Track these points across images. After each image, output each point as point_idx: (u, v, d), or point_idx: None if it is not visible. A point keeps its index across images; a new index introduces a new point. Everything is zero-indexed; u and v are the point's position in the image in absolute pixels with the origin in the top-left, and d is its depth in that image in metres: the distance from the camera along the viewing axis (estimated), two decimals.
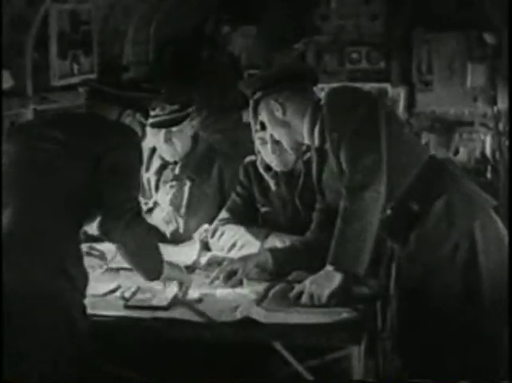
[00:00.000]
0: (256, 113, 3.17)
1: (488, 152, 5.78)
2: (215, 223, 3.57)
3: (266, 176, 3.52)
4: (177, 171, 3.76)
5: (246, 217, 3.57)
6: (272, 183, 3.51)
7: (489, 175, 5.68)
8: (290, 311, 2.77)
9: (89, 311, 2.71)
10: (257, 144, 3.42)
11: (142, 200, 3.73)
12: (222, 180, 3.77)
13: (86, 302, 2.70)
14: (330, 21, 6.31)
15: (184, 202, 3.75)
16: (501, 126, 5.64)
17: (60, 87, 4.20)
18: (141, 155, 2.84)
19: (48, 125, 2.80)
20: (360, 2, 6.27)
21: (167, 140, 3.66)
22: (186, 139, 3.72)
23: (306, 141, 3.11)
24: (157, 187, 3.81)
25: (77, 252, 2.68)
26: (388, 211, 2.95)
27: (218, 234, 3.53)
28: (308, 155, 3.31)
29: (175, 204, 3.75)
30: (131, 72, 5.08)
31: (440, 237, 2.92)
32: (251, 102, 3.15)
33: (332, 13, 6.30)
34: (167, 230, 3.74)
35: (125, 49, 5.06)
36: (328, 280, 2.79)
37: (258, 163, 3.55)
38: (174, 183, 3.76)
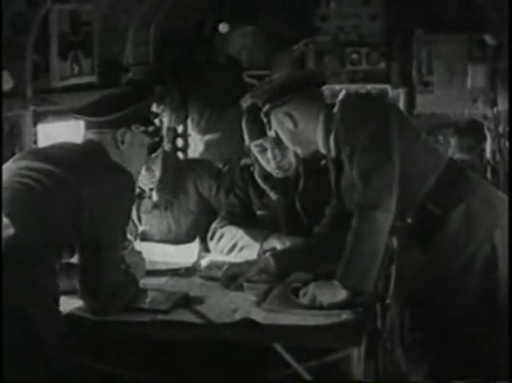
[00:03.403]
0: (269, 124, 3.09)
1: (488, 153, 5.79)
2: (214, 225, 3.56)
3: (266, 188, 3.50)
4: (155, 198, 3.69)
5: (245, 218, 3.56)
6: (272, 194, 3.49)
7: (489, 176, 5.68)
8: (290, 312, 2.77)
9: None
10: (256, 151, 3.37)
11: (128, 236, 3.69)
12: (199, 194, 3.73)
13: None
14: (330, 21, 6.32)
15: (173, 227, 3.74)
16: (501, 127, 5.65)
17: (60, 88, 4.20)
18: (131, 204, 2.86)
19: (41, 159, 2.75)
20: (360, 3, 6.28)
21: (148, 168, 3.55)
22: (159, 163, 3.63)
23: (321, 150, 3.05)
24: (139, 218, 3.73)
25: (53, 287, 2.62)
26: (409, 220, 2.94)
27: (217, 236, 3.52)
28: (323, 162, 3.27)
29: (164, 232, 3.73)
30: (131, 72, 5.07)
31: (459, 245, 2.91)
32: (262, 114, 3.08)
33: (332, 13, 6.31)
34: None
35: (125, 49, 5.06)
36: (334, 293, 2.77)
37: (256, 174, 3.52)
38: (156, 211, 3.71)
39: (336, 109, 2.98)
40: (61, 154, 2.80)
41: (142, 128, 2.91)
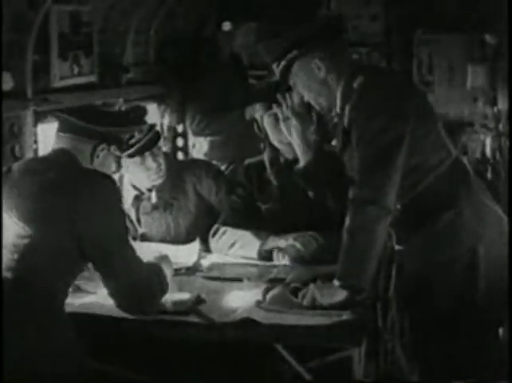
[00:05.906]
0: (286, 76, 2.90)
1: (488, 152, 5.78)
2: (216, 225, 3.56)
3: (270, 174, 3.47)
4: (154, 199, 3.70)
5: (248, 216, 3.55)
6: (274, 180, 3.46)
7: (489, 175, 5.68)
8: (291, 312, 2.77)
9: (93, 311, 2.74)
10: (268, 122, 3.27)
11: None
12: (199, 194, 3.75)
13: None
14: None
15: (172, 228, 3.74)
16: (501, 127, 5.65)
17: (60, 88, 4.20)
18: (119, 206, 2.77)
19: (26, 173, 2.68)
20: (360, 3, 6.27)
21: (155, 160, 3.59)
22: (163, 157, 3.67)
23: (337, 110, 2.90)
24: (138, 220, 3.74)
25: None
26: (398, 206, 2.87)
27: (219, 233, 3.52)
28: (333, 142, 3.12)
29: (164, 233, 3.74)
30: (132, 73, 5.07)
31: (441, 248, 2.90)
32: (283, 64, 2.87)
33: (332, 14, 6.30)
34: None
35: (126, 49, 5.06)
36: (333, 294, 2.77)
37: (265, 158, 3.48)
38: (155, 212, 3.72)
39: (355, 86, 2.83)
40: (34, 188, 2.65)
41: (117, 152, 2.80)
